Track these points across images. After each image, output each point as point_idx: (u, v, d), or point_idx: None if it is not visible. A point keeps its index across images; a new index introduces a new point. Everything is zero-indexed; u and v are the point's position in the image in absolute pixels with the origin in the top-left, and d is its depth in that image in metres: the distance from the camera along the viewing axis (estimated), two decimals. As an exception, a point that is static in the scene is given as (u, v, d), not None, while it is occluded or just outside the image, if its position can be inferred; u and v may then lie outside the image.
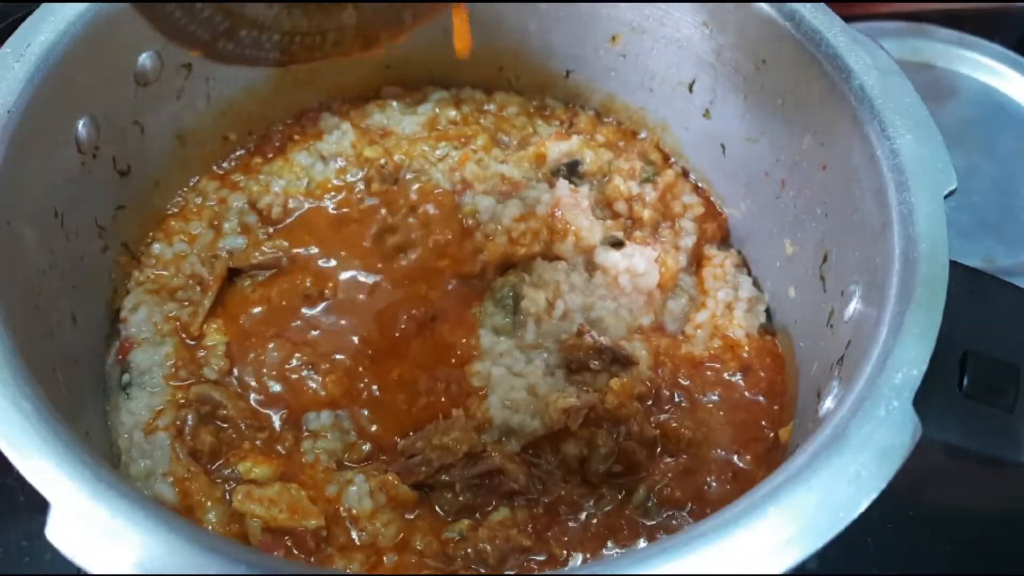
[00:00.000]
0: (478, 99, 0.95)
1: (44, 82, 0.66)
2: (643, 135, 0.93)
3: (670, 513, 0.71)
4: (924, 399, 0.52)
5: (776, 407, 0.77)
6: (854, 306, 0.65)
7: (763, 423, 0.76)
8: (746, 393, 0.78)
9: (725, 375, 0.78)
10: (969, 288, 0.62)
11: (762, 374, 0.78)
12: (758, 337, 0.81)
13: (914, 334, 0.55)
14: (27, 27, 0.68)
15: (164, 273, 0.81)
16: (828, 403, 0.63)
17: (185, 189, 0.87)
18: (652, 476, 0.72)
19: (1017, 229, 1.00)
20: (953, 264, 0.59)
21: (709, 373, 0.78)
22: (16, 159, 0.63)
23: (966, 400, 0.60)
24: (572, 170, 0.88)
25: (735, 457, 0.74)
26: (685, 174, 0.91)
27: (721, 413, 0.76)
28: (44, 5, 0.70)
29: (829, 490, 0.49)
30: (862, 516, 0.48)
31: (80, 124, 0.71)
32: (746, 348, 0.80)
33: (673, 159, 0.92)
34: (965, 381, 0.60)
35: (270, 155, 0.89)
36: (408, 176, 0.86)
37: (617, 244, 0.83)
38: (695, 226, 0.86)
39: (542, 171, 0.88)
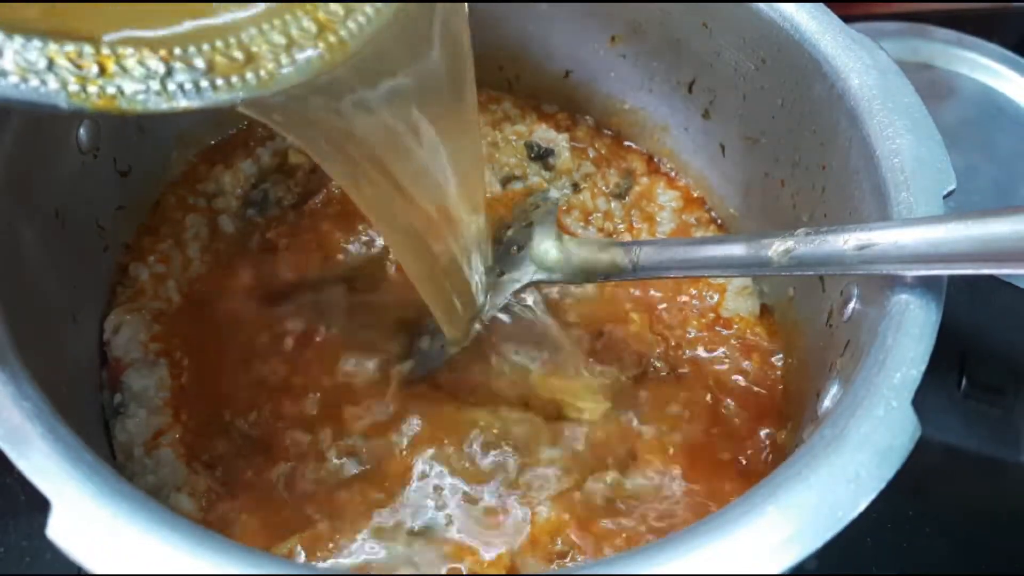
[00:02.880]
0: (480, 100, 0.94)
1: (44, 82, 0.66)
2: (630, 144, 0.93)
3: None
4: (923, 399, 0.52)
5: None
6: (853, 306, 0.65)
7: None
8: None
9: None
10: (968, 288, 0.62)
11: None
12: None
13: (913, 334, 0.55)
14: (28, 28, 0.68)
15: (144, 292, 0.78)
16: (827, 403, 0.63)
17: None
18: None
19: (1016, 229, 1.00)
20: (952, 264, 0.59)
21: None
22: (17, 160, 0.63)
23: (965, 400, 0.60)
24: (545, 157, 0.89)
25: None
26: (670, 181, 0.91)
27: None
28: (45, 5, 0.70)
29: (828, 490, 0.49)
30: (861, 516, 0.48)
31: (81, 125, 0.71)
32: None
33: (659, 159, 0.92)
34: (964, 381, 0.60)
35: (216, 162, 0.86)
36: None
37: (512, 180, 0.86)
38: (672, 215, 0.89)
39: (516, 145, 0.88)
